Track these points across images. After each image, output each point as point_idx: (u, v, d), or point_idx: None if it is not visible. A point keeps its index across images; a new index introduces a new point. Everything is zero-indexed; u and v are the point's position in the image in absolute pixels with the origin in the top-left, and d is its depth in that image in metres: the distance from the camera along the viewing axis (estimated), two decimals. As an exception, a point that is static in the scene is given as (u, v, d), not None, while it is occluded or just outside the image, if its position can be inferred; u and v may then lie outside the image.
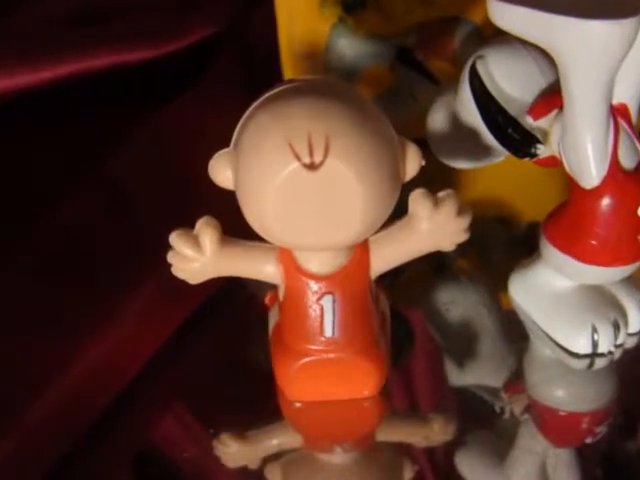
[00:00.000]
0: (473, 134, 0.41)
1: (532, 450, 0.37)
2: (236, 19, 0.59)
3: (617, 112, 0.36)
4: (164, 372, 0.41)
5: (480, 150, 0.42)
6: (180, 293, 0.39)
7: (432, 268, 0.46)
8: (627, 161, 0.37)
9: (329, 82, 0.35)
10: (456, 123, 0.42)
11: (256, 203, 0.32)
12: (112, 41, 0.57)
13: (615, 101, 0.36)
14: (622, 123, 0.37)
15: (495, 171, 0.45)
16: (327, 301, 0.36)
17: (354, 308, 0.36)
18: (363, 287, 0.36)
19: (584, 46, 0.33)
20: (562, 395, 0.40)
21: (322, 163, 0.31)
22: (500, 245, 0.48)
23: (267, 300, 0.40)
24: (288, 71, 0.50)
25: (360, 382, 0.37)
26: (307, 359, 0.36)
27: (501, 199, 0.51)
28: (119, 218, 0.49)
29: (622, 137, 0.36)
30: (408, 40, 0.48)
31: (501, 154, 0.42)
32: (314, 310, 0.36)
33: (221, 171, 0.33)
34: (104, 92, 0.57)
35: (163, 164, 0.52)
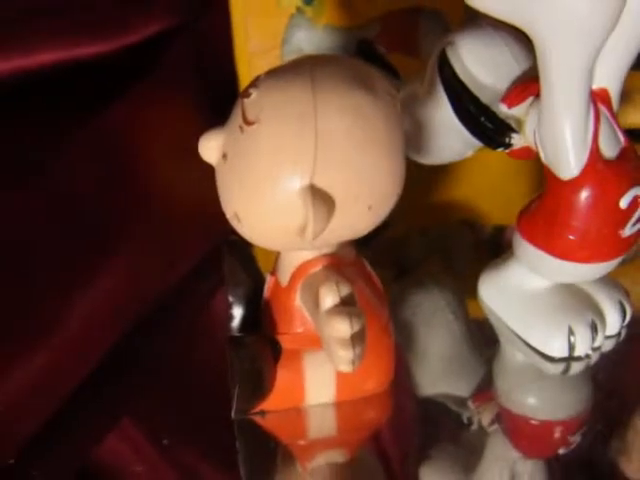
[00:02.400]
0: (442, 127, 0.40)
1: (502, 462, 0.35)
2: (190, 13, 0.57)
3: (597, 97, 0.35)
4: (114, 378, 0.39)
5: (450, 144, 0.40)
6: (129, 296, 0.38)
7: (395, 273, 0.45)
8: (608, 150, 0.35)
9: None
10: (423, 117, 0.40)
11: None
12: (58, 35, 0.54)
13: (595, 86, 0.35)
14: (603, 109, 0.35)
15: (462, 173, 0.45)
16: None
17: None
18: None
19: (565, 24, 0.31)
20: (534, 403, 0.38)
21: None
22: (466, 248, 0.47)
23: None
24: (242, 67, 0.48)
25: (369, 377, 0.36)
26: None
27: (467, 201, 0.49)
28: (62, 220, 0.47)
29: (603, 124, 0.35)
30: (370, 32, 0.47)
31: (472, 147, 0.40)
32: None
33: None
34: (48, 89, 0.55)
35: (108, 165, 0.50)
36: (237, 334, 0.37)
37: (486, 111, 0.37)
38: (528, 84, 0.36)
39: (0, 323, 0.40)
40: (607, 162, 0.35)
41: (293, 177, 0.31)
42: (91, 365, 0.39)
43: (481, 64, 0.38)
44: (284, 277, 0.35)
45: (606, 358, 0.39)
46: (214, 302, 0.44)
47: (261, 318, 0.37)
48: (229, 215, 0.33)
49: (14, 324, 0.40)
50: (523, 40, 0.36)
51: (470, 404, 0.37)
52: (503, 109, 0.37)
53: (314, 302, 0.33)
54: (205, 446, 0.36)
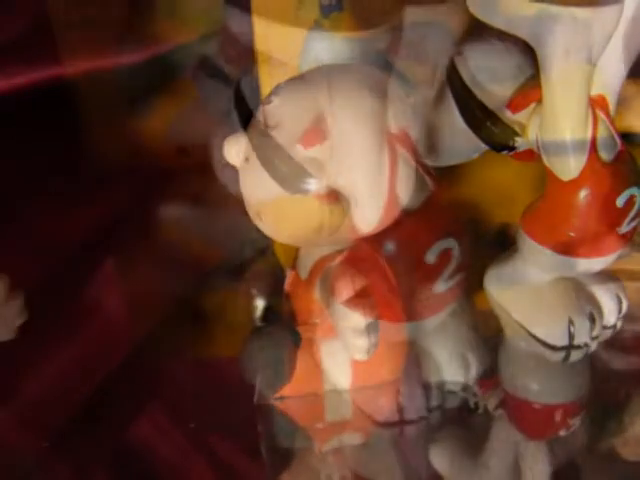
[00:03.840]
0: (451, 131, 0.40)
1: (506, 444, 0.35)
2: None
3: (595, 104, 0.35)
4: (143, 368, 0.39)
5: (458, 147, 0.40)
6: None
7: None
8: (605, 153, 0.35)
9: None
10: (433, 121, 0.40)
11: None
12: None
13: (594, 93, 0.35)
14: (601, 115, 0.35)
15: (469, 174, 0.44)
16: None
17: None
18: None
19: (565, 33, 0.32)
20: (537, 388, 0.38)
21: None
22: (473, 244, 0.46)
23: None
24: (264, 76, 0.48)
25: (382, 365, 0.36)
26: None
27: (474, 201, 0.49)
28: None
29: (600, 129, 0.35)
30: (384, 43, 0.47)
31: (479, 150, 0.40)
32: None
33: None
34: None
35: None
36: (260, 325, 0.37)
37: (492, 116, 0.37)
38: (531, 91, 0.36)
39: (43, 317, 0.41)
40: (605, 164, 0.35)
41: (310, 179, 0.32)
42: (120, 357, 0.39)
43: (487, 72, 0.38)
44: (303, 272, 0.36)
45: (604, 347, 0.39)
46: (237, 297, 0.44)
47: (282, 310, 0.37)
48: (252, 214, 0.34)
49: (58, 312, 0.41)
50: (526, 50, 0.36)
51: (477, 390, 0.37)
52: (508, 114, 0.37)
53: (331, 295, 0.33)
54: (229, 429, 0.36)
